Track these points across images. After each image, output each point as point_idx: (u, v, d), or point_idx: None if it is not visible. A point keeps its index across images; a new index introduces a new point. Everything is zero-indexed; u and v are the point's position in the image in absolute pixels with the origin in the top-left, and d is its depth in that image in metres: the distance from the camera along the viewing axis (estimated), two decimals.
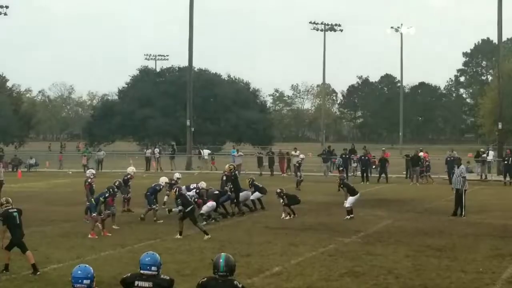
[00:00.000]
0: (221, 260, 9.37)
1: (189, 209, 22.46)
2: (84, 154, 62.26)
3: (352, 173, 50.50)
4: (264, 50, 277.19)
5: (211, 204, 26.21)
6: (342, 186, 28.08)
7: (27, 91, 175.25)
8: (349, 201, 27.24)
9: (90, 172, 28.26)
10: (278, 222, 26.13)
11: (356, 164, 51.29)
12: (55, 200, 34.63)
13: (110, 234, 22.91)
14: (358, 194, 27.82)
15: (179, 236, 22.24)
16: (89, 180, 26.93)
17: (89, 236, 22.39)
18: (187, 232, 22.89)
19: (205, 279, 9.42)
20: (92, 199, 23.98)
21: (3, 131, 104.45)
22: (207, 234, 22.07)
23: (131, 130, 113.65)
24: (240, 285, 9.30)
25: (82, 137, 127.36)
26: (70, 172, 56.42)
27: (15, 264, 17.75)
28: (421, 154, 48.24)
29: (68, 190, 39.87)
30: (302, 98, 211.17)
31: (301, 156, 47.15)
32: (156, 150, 63.91)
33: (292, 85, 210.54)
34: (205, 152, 63.76)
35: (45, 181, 47.81)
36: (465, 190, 27.99)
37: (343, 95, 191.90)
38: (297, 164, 43.33)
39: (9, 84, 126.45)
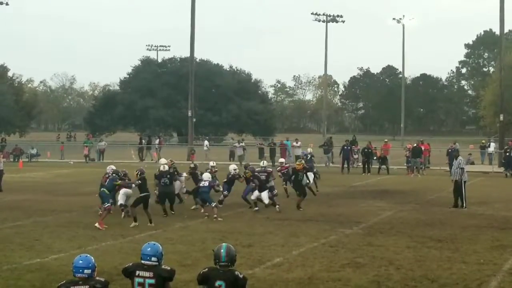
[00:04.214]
0: (222, 251, 9.38)
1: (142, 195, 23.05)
2: (85, 144, 62.28)
3: (354, 164, 50.52)
4: (266, 41, 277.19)
5: None
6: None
7: (29, 81, 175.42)
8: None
9: (110, 168, 27.01)
10: (279, 213, 26.11)
11: (357, 155, 51.32)
12: (56, 190, 34.63)
13: (106, 227, 22.67)
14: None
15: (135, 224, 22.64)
16: (107, 175, 26.01)
17: (96, 225, 22.23)
18: (188, 223, 22.93)
19: (206, 269, 9.44)
20: (105, 189, 23.71)
21: (5, 121, 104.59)
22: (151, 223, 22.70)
23: (132, 121, 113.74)
24: (241, 276, 9.31)
25: (84, 127, 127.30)
26: (72, 163, 56.43)
27: (16, 253, 17.81)
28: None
29: (69, 181, 39.92)
30: (304, 89, 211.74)
31: (309, 149, 46.33)
32: (157, 141, 63.97)
33: (294, 76, 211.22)
34: (205, 143, 64.02)
35: (46, 171, 47.82)
36: (464, 182, 28.01)
37: (344, 86, 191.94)
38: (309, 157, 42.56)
39: (10, 74, 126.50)
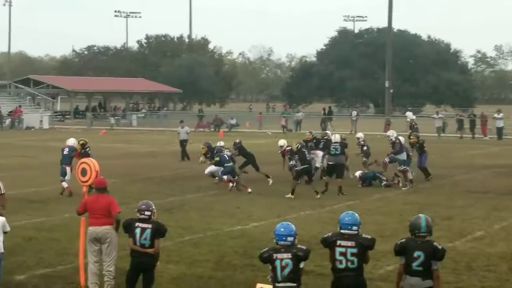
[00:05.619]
0: (421, 221, 9.37)
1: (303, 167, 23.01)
2: (283, 115, 63.24)
3: None
4: (466, 9, 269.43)
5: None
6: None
7: (228, 53, 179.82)
8: None
9: (220, 142, 27.67)
10: (480, 185, 25.43)
11: None
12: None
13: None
14: None
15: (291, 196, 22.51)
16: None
17: (249, 190, 23.36)
18: (385, 194, 22.86)
19: (404, 240, 9.47)
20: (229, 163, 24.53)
21: (206, 92, 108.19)
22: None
23: (328, 92, 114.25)
24: (440, 246, 9.24)
25: (281, 98, 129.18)
26: (270, 133, 57.26)
27: (218, 220, 18.42)
28: None
29: (266, 150, 40.51)
30: (506, 59, 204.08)
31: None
32: (354, 113, 63.76)
33: (496, 45, 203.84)
34: (408, 114, 62.98)
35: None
36: None
37: None
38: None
39: (210, 46, 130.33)
